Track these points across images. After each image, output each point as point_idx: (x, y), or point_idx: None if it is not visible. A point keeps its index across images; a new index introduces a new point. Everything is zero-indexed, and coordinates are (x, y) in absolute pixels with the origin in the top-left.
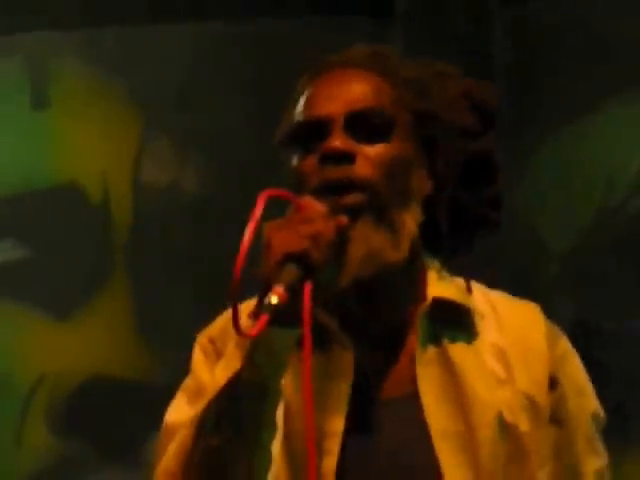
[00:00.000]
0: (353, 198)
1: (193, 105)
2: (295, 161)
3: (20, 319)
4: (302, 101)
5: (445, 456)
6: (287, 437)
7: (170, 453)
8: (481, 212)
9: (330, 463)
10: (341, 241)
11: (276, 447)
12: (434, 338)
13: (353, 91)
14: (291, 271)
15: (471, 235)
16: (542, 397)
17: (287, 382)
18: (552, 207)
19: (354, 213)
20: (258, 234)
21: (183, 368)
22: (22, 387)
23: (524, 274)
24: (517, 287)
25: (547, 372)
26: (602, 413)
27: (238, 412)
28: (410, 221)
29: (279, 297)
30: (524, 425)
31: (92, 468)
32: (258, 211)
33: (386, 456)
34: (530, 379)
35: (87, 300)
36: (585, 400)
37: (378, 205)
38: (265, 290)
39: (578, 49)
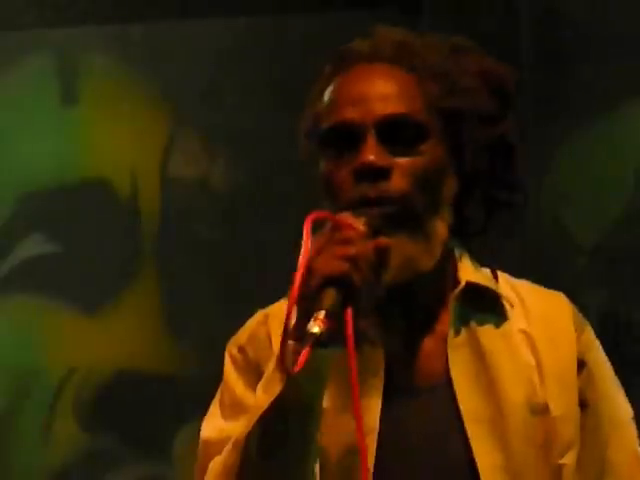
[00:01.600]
0: (388, 210)
1: (222, 100)
2: (325, 166)
3: (49, 313)
4: (328, 99)
5: (477, 442)
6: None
7: (213, 473)
8: (507, 197)
9: (369, 460)
10: (379, 261)
11: None
12: (465, 322)
13: (382, 93)
14: (331, 295)
15: (491, 219)
16: (571, 379)
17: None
18: (580, 200)
19: (391, 224)
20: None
21: (211, 362)
22: (51, 382)
23: (552, 267)
24: (545, 280)
25: (575, 354)
26: (627, 405)
27: (283, 433)
28: (441, 227)
29: (321, 325)
30: (556, 410)
31: (121, 462)
32: (307, 240)
33: (420, 445)
34: (559, 363)
35: (116, 295)
36: (612, 389)
37: (413, 216)
38: (305, 314)
39: (608, 43)
